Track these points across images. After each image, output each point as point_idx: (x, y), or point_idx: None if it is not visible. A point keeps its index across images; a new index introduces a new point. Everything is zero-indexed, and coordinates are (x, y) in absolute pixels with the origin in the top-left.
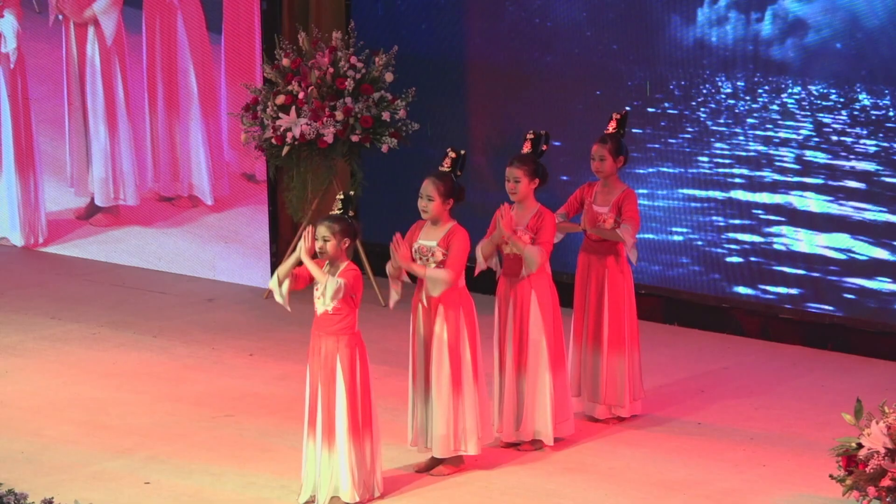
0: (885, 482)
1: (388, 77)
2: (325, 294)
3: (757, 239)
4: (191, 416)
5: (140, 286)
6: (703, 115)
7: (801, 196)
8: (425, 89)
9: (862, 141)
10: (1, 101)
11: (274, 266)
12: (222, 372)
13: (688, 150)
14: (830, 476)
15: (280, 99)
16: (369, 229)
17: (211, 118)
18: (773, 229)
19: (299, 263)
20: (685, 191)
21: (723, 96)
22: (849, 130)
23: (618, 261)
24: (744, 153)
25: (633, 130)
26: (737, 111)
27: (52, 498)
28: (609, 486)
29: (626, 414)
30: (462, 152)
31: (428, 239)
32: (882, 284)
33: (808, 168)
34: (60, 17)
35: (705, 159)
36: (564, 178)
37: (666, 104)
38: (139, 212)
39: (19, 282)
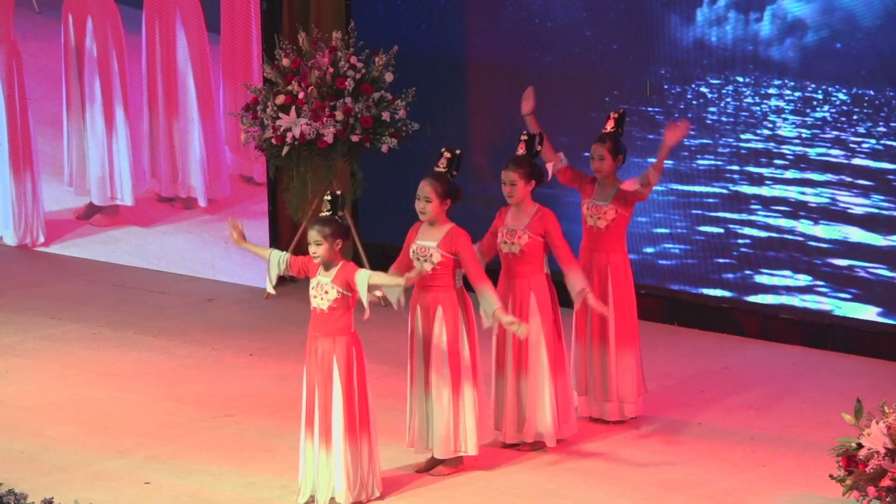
0: (885, 482)
1: (388, 77)
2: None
3: (757, 239)
4: (191, 416)
5: (140, 286)
6: (703, 115)
7: (801, 196)
8: (425, 89)
9: (862, 141)
10: None
11: None
12: (222, 372)
13: (687, 149)
14: (830, 476)
15: (280, 99)
16: (369, 229)
17: (210, 118)
18: (774, 229)
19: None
20: (685, 189)
21: (722, 95)
22: (849, 129)
23: (620, 257)
24: (744, 152)
25: (633, 130)
26: (736, 111)
27: (52, 498)
28: (609, 486)
29: (634, 412)
30: (457, 152)
31: (426, 239)
32: (882, 284)
33: (808, 167)
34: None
35: (705, 159)
36: None
37: (667, 103)
38: (139, 212)
39: (19, 282)
